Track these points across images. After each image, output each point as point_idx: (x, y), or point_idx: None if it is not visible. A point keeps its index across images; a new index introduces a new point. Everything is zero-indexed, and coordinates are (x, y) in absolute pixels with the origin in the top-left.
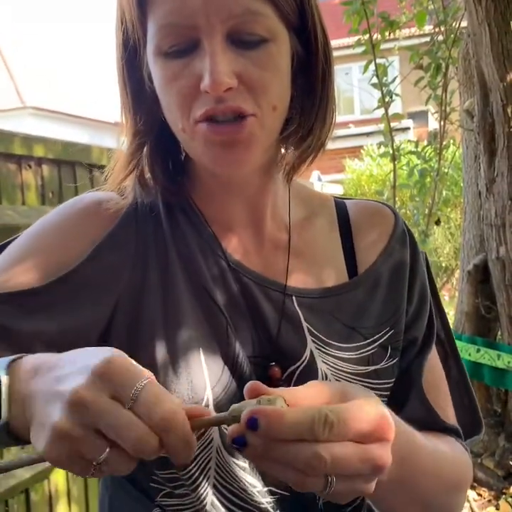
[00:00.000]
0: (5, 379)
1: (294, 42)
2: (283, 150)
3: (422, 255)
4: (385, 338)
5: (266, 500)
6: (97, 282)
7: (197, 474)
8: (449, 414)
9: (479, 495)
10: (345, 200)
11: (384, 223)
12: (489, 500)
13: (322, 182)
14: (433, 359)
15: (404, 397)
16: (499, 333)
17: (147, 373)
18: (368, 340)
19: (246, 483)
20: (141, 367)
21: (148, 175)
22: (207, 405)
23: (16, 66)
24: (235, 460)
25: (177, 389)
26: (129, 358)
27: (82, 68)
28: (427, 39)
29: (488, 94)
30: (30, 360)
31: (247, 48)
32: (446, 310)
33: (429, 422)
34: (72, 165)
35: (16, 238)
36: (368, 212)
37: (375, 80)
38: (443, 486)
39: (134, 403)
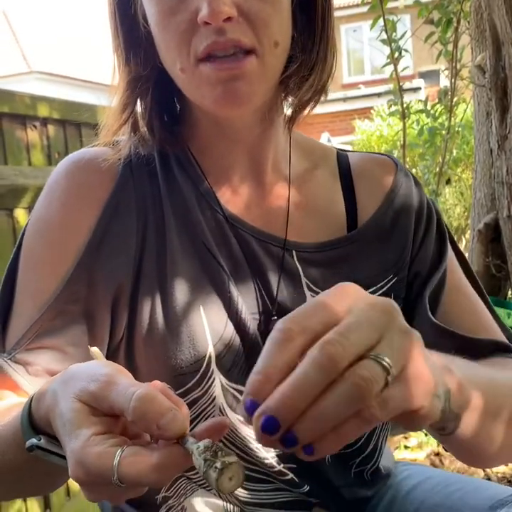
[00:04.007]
0: (42, 440)
1: None
2: (283, 94)
3: (431, 201)
4: (387, 286)
5: (270, 456)
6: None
7: None
8: (496, 333)
9: None
10: (347, 152)
11: (385, 172)
12: None
13: (331, 143)
14: (461, 287)
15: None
16: (509, 292)
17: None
18: (370, 290)
19: (250, 439)
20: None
21: (143, 128)
22: (209, 362)
23: (22, 31)
24: (238, 417)
25: (179, 348)
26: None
27: (88, 32)
28: None
29: (501, 48)
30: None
31: None
32: None
33: (467, 349)
34: (77, 125)
35: (20, 245)
36: (370, 162)
37: (383, 35)
38: None
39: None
